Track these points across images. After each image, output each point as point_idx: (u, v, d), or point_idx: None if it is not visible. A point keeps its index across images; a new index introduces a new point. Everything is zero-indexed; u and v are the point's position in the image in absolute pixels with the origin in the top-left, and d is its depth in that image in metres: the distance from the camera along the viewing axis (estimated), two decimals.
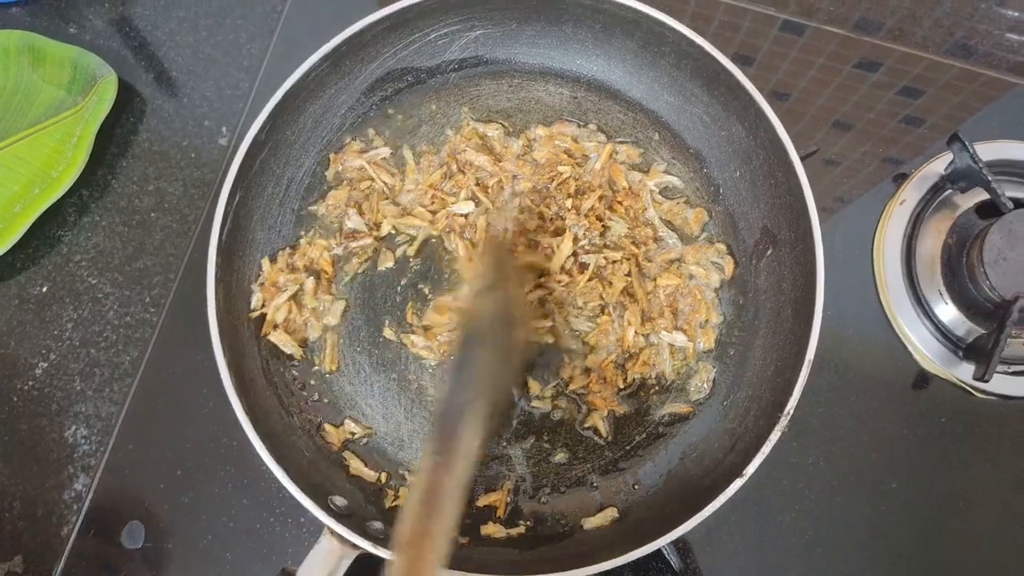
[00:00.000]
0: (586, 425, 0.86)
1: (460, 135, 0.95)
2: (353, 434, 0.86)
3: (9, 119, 0.99)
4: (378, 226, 0.92)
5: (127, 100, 1.04)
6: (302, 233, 0.92)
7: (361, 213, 0.92)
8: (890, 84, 1.02)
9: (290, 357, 0.88)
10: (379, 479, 0.84)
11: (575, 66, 0.97)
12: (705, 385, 0.87)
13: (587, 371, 0.87)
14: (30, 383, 0.92)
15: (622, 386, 0.87)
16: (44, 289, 0.96)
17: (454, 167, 0.93)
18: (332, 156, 0.94)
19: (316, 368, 0.88)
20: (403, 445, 0.86)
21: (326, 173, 0.94)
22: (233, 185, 0.81)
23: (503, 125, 0.96)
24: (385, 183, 0.93)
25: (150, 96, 1.04)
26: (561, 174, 0.92)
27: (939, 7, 1.04)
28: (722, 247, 0.91)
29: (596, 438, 0.86)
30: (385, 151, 0.94)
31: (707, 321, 0.88)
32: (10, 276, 0.96)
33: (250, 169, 0.83)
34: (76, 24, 1.07)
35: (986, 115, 1.00)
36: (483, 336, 0.69)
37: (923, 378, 0.90)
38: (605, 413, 0.86)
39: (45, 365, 0.93)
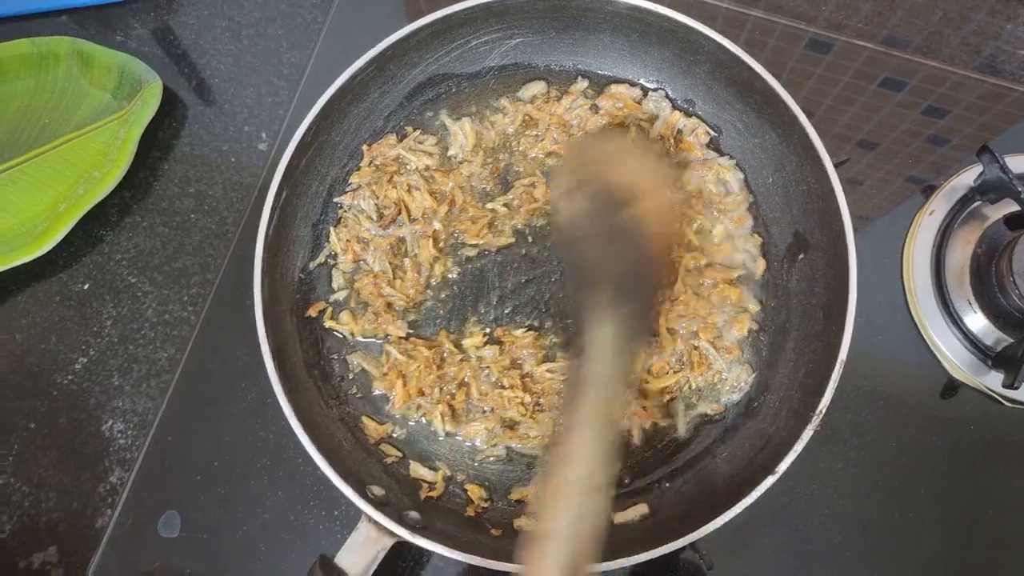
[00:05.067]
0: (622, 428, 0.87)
1: (505, 116, 0.98)
2: (391, 433, 0.87)
3: (57, 121, 1.02)
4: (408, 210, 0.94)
5: (170, 105, 1.06)
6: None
7: (375, 195, 0.93)
8: (916, 103, 1.03)
9: (330, 351, 0.89)
10: (415, 471, 0.85)
11: (612, 72, 0.99)
12: (743, 384, 0.87)
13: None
14: (69, 378, 0.94)
15: (671, 396, 0.88)
16: (85, 287, 0.98)
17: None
18: (365, 147, 0.95)
19: (355, 363, 0.89)
20: (434, 438, 0.87)
21: (360, 164, 0.96)
22: (280, 182, 0.83)
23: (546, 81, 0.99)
24: (427, 166, 0.95)
25: (192, 102, 1.07)
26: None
27: (966, 26, 1.06)
28: (759, 239, 0.92)
29: (629, 439, 0.87)
30: (429, 140, 0.97)
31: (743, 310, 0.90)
32: (53, 273, 0.98)
33: (296, 167, 0.86)
34: (122, 32, 1.10)
35: (1013, 133, 1.01)
36: (575, 233, 0.67)
37: (952, 386, 0.91)
38: (648, 425, 0.87)
39: (84, 360, 0.95)
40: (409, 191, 0.93)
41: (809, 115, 0.84)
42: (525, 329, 0.90)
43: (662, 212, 0.69)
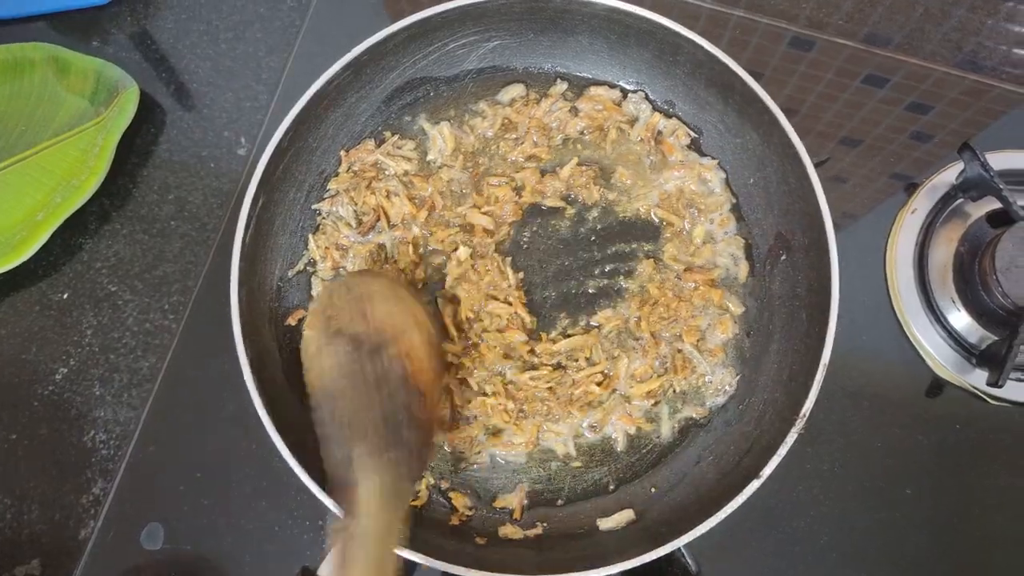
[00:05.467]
0: (604, 433, 0.87)
1: (484, 120, 0.97)
2: None
3: (34, 129, 1.01)
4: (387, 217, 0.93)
5: (148, 111, 1.05)
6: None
7: (353, 202, 0.93)
8: (898, 100, 1.03)
9: None
10: None
11: (591, 74, 0.98)
12: (727, 387, 0.87)
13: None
14: (50, 388, 0.93)
15: (655, 401, 0.88)
16: (65, 296, 0.97)
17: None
18: (343, 153, 0.94)
19: None
20: None
21: (338, 170, 0.95)
22: (257, 189, 0.82)
23: (525, 84, 0.99)
24: (405, 171, 0.94)
25: (170, 107, 1.06)
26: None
27: (947, 22, 1.05)
28: (741, 240, 0.92)
29: (613, 445, 0.87)
30: (408, 145, 0.96)
31: (725, 311, 0.90)
32: (32, 283, 0.98)
33: (273, 174, 0.85)
34: (99, 38, 1.09)
35: (995, 130, 1.01)
36: (334, 386, 0.66)
37: (937, 385, 0.91)
38: (633, 430, 0.87)
39: (65, 370, 0.94)
40: (388, 197, 0.92)
41: (792, 113, 0.84)
42: None
43: (423, 347, 0.70)
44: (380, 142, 0.96)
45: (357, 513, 0.59)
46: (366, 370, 0.65)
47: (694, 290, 0.89)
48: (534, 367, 0.87)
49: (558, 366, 0.88)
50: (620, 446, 0.86)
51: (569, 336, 0.89)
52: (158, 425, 0.91)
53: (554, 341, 0.88)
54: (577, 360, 0.88)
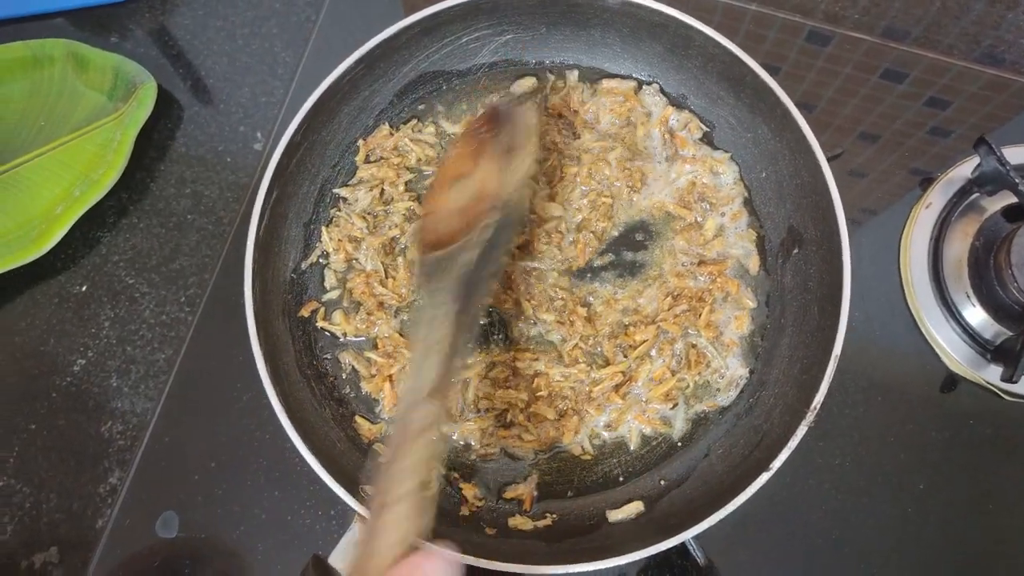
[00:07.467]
0: (619, 433, 0.87)
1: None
2: (386, 433, 0.87)
3: (53, 124, 1.02)
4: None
5: (166, 106, 1.06)
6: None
7: (381, 192, 0.93)
8: (917, 95, 1.02)
9: (323, 350, 0.89)
10: None
11: (603, 67, 0.98)
12: (739, 380, 0.87)
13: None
14: (68, 379, 0.94)
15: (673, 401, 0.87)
16: (83, 288, 0.98)
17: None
18: (361, 141, 0.95)
19: (347, 362, 0.89)
20: None
21: (355, 159, 0.96)
22: (270, 183, 0.83)
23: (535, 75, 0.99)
24: (428, 158, 0.95)
25: (188, 102, 1.07)
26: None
27: (966, 16, 1.04)
28: (753, 234, 0.92)
29: (627, 443, 0.87)
30: (429, 128, 0.97)
31: (741, 308, 0.89)
32: (51, 276, 0.99)
33: (287, 168, 0.85)
34: (118, 33, 1.10)
35: (1015, 124, 1.00)
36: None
37: (950, 380, 0.90)
38: (649, 430, 0.87)
39: (83, 362, 0.95)
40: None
41: (810, 108, 0.84)
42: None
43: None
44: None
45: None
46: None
47: (712, 282, 0.89)
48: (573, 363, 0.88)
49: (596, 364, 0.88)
50: (633, 445, 0.86)
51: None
52: (174, 416, 0.92)
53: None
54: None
